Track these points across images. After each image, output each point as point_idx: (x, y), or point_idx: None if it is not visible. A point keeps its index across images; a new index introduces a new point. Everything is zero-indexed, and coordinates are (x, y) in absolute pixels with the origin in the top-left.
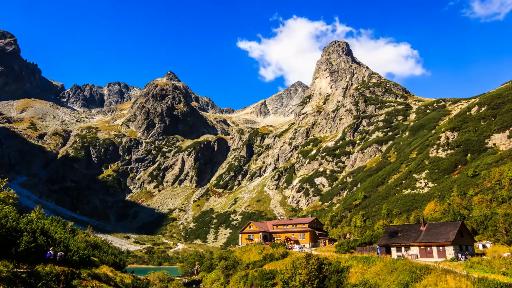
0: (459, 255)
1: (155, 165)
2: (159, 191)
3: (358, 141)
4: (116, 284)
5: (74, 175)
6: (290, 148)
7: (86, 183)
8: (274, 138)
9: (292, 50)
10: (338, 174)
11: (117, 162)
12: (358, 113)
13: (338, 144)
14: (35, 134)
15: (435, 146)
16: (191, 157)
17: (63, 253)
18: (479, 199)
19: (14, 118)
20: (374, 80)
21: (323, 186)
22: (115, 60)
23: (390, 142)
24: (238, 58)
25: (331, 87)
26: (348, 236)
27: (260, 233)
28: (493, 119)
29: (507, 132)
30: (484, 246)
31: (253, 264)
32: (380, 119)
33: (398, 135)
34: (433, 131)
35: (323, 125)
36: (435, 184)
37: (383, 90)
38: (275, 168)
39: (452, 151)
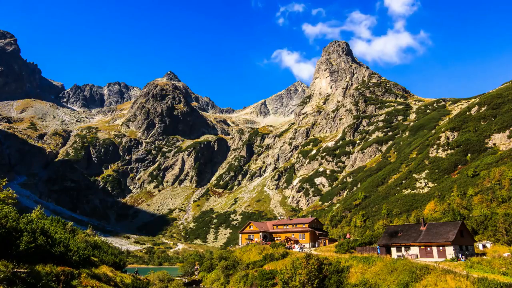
0: (459, 255)
1: (155, 165)
2: (159, 191)
3: (358, 141)
4: (116, 284)
5: (74, 175)
6: (290, 148)
7: (86, 183)
8: (274, 138)
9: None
10: (338, 174)
11: (117, 162)
12: (358, 113)
13: (338, 144)
14: (35, 134)
15: (435, 146)
16: (191, 157)
17: None
18: (479, 199)
19: (14, 118)
20: (374, 80)
21: (323, 186)
22: (115, 60)
23: (390, 142)
24: (238, 56)
25: (331, 87)
26: (348, 236)
27: (260, 233)
28: (493, 119)
29: (507, 132)
30: (484, 246)
31: (253, 264)
32: (380, 119)
33: (398, 135)
34: (433, 131)
35: (323, 125)
36: (435, 184)
37: (383, 90)
38: (275, 168)
39: (452, 151)
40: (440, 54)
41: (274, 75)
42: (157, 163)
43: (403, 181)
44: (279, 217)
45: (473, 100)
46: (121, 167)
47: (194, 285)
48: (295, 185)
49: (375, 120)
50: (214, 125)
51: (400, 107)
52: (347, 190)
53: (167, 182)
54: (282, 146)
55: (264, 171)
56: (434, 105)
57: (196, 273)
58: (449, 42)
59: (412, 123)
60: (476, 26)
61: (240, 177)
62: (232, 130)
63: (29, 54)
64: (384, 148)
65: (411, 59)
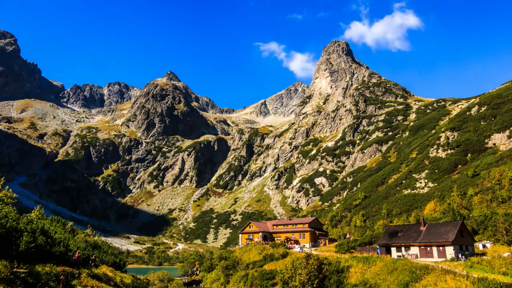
0: (459, 255)
1: (155, 165)
2: (159, 191)
3: (358, 141)
4: (116, 284)
5: (74, 175)
6: (290, 148)
7: (86, 183)
8: (274, 138)
9: None
10: (338, 174)
11: (117, 162)
12: (358, 113)
13: (338, 144)
14: (35, 134)
15: (435, 146)
16: (191, 157)
17: None
18: (479, 199)
19: (14, 118)
20: (374, 80)
21: (323, 186)
22: (115, 60)
23: (390, 142)
24: (237, 54)
25: (331, 87)
26: (348, 236)
27: (260, 233)
28: (493, 119)
29: (507, 132)
30: (484, 246)
31: (253, 264)
32: (380, 119)
33: (398, 135)
34: (433, 131)
35: (323, 125)
36: (435, 184)
37: (383, 90)
38: (275, 168)
39: (452, 151)
40: (441, 50)
41: (271, 68)
42: (157, 163)
43: (403, 181)
44: (279, 217)
45: (473, 100)
46: (121, 167)
47: (194, 285)
48: (295, 185)
49: (375, 120)
50: (214, 125)
51: (400, 107)
52: (347, 190)
53: (167, 182)
54: (282, 146)
55: (264, 171)
56: (434, 105)
57: (196, 273)
58: (448, 41)
59: (412, 123)
60: (476, 25)
61: (240, 177)
62: (232, 130)
63: (29, 54)
64: (384, 148)
65: (411, 45)
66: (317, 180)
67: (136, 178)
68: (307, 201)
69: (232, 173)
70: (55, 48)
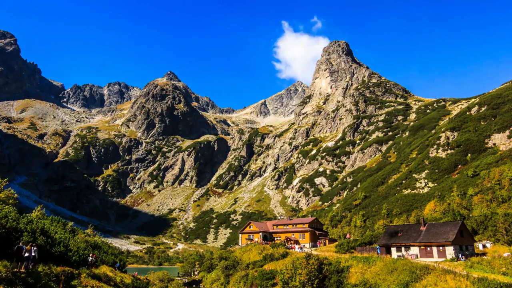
0: (459, 255)
1: (155, 165)
2: (159, 191)
3: (358, 141)
4: (116, 284)
5: (74, 175)
6: (290, 148)
7: (86, 183)
8: (274, 138)
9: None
10: (338, 174)
11: (117, 162)
12: (358, 113)
13: (338, 144)
14: (35, 134)
15: (435, 146)
16: (191, 157)
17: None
18: (479, 199)
19: (14, 118)
20: (374, 80)
21: (323, 186)
22: (115, 60)
23: (390, 142)
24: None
25: (331, 87)
26: (348, 236)
27: (260, 233)
28: (493, 119)
29: (507, 132)
30: (484, 246)
31: (253, 264)
32: (380, 119)
33: (398, 135)
34: (433, 131)
35: (323, 125)
36: (435, 184)
37: (383, 90)
38: (275, 168)
39: (452, 151)
40: (440, 52)
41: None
42: (157, 163)
43: (403, 181)
44: (279, 217)
45: (473, 100)
46: (121, 167)
47: (194, 285)
48: (295, 185)
49: (375, 120)
50: (214, 125)
51: (400, 107)
52: (347, 190)
53: (167, 182)
54: (282, 146)
55: (264, 171)
56: (434, 105)
57: (196, 273)
58: (448, 41)
59: (412, 123)
60: (475, 26)
61: (240, 177)
62: (232, 130)
63: (29, 54)
64: (384, 148)
65: None
66: (317, 180)
67: (136, 178)
68: (307, 201)
69: (232, 173)
70: (55, 48)
